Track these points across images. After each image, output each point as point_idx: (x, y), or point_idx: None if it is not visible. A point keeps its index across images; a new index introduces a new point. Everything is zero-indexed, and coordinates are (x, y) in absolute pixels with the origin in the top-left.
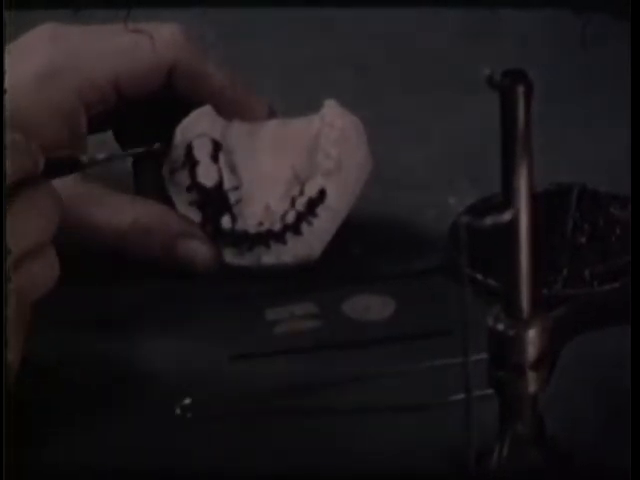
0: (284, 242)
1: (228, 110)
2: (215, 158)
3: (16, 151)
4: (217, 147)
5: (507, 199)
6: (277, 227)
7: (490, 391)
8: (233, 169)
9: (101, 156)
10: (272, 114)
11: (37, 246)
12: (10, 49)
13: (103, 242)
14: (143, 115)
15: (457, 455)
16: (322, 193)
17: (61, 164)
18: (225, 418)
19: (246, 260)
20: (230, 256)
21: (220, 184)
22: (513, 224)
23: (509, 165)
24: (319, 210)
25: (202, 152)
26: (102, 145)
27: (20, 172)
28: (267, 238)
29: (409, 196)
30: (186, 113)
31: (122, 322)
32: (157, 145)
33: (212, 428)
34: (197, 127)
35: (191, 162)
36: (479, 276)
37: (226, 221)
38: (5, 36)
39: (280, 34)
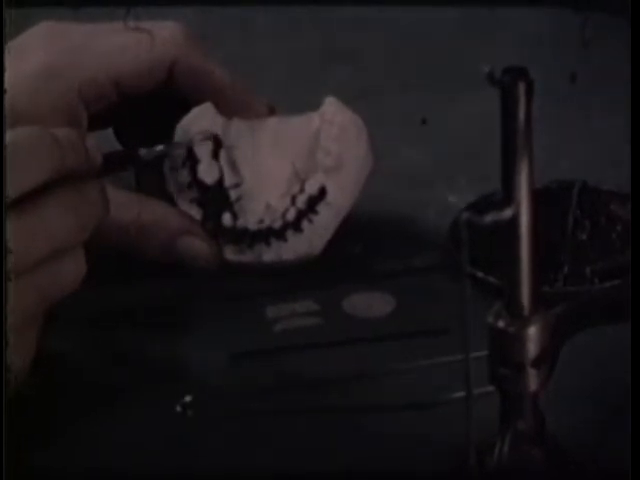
0: (285, 239)
1: (228, 108)
2: (216, 155)
3: (56, 147)
4: (218, 144)
5: (508, 196)
6: (278, 224)
7: (491, 389)
8: (234, 166)
9: (159, 149)
10: (272, 112)
11: (66, 246)
12: (10, 48)
13: (104, 239)
14: (143, 113)
15: (458, 452)
16: (322, 190)
17: (119, 159)
18: (226, 415)
19: (247, 257)
20: (231, 253)
21: (221, 181)
22: (514, 221)
23: (510, 162)
24: (319, 207)
25: (203, 149)
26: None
27: (57, 170)
28: (268, 235)
29: (410, 193)
30: (186, 111)
31: (122, 319)
32: (212, 133)
33: (213, 425)
34: (198, 124)
35: (192, 159)
36: (480, 273)
37: (227, 218)
38: (5, 34)
39: (280, 32)
